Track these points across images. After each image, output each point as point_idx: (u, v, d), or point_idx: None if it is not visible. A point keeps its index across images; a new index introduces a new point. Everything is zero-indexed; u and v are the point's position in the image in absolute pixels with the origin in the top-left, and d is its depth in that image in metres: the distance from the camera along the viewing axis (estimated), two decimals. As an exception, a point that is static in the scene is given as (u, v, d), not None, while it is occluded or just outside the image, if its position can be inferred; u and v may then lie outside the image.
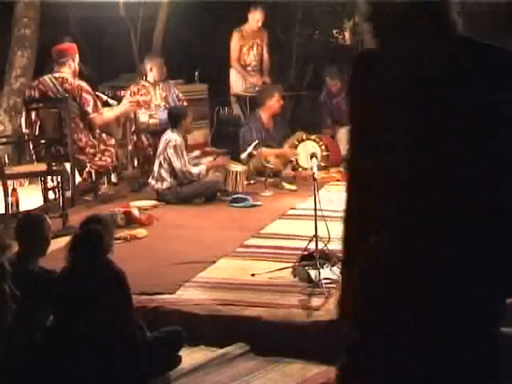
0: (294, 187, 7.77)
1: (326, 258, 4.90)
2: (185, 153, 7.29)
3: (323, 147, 8.17)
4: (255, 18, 9.39)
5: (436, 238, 1.86)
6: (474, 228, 1.86)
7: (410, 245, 1.89)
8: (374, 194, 1.98)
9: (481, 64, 1.88)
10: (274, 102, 8.35)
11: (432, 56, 1.91)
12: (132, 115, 8.10)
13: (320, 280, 4.67)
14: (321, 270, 4.74)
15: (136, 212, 6.45)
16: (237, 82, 9.60)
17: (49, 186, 6.94)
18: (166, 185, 7.21)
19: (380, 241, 1.94)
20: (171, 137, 7.21)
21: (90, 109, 7.20)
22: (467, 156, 1.84)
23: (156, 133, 7.82)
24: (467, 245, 1.86)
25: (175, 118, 7.40)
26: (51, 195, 7.02)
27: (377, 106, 1.93)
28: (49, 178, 6.87)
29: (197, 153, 7.77)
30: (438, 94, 1.88)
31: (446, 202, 1.85)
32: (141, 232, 6.11)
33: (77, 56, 7.41)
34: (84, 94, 7.21)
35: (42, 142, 6.99)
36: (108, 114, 7.59)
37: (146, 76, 8.35)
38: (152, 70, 8.25)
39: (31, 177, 7.67)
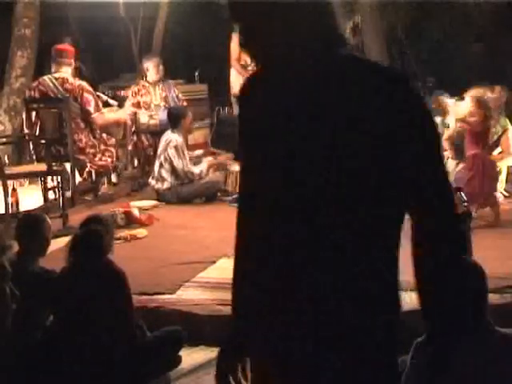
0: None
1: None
2: (186, 153, 7.30)
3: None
4: None
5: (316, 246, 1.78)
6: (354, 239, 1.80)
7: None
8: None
9: (361, 82, 1.78)
10: None
11: (312, 75, 1.78)
12: (132, 116, 8.11)
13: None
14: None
15: (136, 212, 6.45)
16: (237, 82, 9.58)
17: (49, 186, 6.95)
18: (166, 185, 7.21)
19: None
20: (171, 137, 7.21)
21: (91, 108, 7.21)
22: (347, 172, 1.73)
23: (156, 133, 7.82)
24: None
25: (175, 118, 7.40)
26: (51, 195, 7.02)
27: (258, 129, 1.83)
28: (49, 178, 6.88)
29: (199, 152, 7.76)
30: (317, 113, 1.74)
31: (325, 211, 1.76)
32: (141, 232, 6.11)
33: (73, 59, 7.44)
34: (85, 94, 7.21)
35: (42, 141, 6.99)
36: (109, 114, 7.59)
37: (146, 76, 8.36)
38: (148, 69, 8.28)
39: (31, 177, 7.67)
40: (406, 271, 4.75)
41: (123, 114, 7.84)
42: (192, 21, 11.75)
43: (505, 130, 6.99)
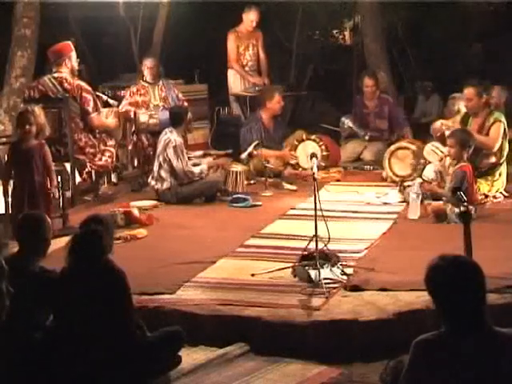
0: (294, 187, 7.77)
1: (325, 258, 4.90)
2: (185, 152, 7.29)
3: (323, 147, 8.17)
4: (249, 18, 9.39)
5: None
6: None
7: None
8: None
9: None
10: (275, 103, 8.35)
11: None
12: (132, 115, 8.11)
13: (320, 280, 4.67)
14: (321, 270, 4.74)
15: (136, 212, 6.45)
16: (235, 83, 9.60)
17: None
18: (165, 185, 7.20)
19: None
20: (170, 137, 7.20)
21: (90, 108, 7.20)
22: None
23: (156, 133, 7.81)
24: None
25: (177, 118, 7.40)
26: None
27: None
28: (49, 177, 6.86)
29: (199, 153, 7.75)
30: None
31: None
32: (141, 232, 6.11)
33: (73, 54, 7.39)
34: (84, 94, 7.20)
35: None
36: (105, 120, 7.54)
37: (144, 76, 8.36)
38: (145, 70, 8.30)
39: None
40: (408, 271, 4.77)
41: (113, 123, 7.75)
42: (192, 21, 11.74)
43: (495, 121, 7.00)
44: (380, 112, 8.90)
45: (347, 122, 8.80)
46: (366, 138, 8.73)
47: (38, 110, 6.13)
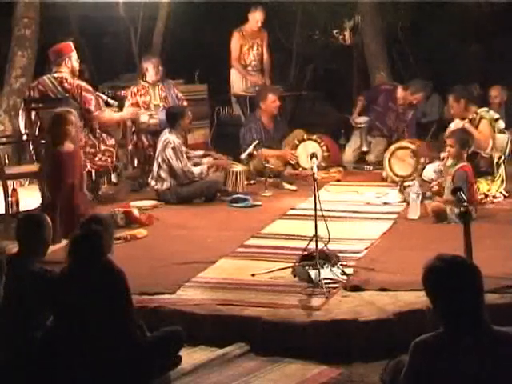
0: (293, 187, 7.78)
1: (325, 257, 4.90)
2: (184, 153, 7.29)
3: (324, 147, 8.17)
4: (255, 18, 9.38)
5: None
6: None
7: None
8: None
9: None
10: (269, 103, 8.34)
11: None
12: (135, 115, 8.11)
13: (320, 280, 4.67)
14: (321, 270, 4.74)
15: (136, 212, 6.45)
16: (237, 82, 9.60)
17: (49, 186, 6.92)
18: (165, 185, 7.20)
19: None
20: (169, 138, 7.20)
21: (92, 107, 7.19)
22: None
23: (156, 133, 7.81)
24: None
25: (173, 118, 7.39)
26: (51, 195, 7.00)
27: None
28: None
29: (199, 153, 7.75)
30: None
31: None
32: (141, 232, 6.11)
33: (73, 54, 7.39)
34: (84, 93, 7.20)
35: (42, 141, 6.98)
36: (113, 114, 7.56)
37: (145, 76, 8.35)
38: (148, 70, 8.28)
39: (31, 177, 7.66)
40: (408, 271, 4.78)
41: (126, 114, 7.81)
42: (192, 21, 11.74)
43: (481, 118, 7.05)
44: (403, 115, 8.85)
45: (363, 124, 8.80)
46: (364, 149, 8.76)
47: (71, 115, 6.07)
